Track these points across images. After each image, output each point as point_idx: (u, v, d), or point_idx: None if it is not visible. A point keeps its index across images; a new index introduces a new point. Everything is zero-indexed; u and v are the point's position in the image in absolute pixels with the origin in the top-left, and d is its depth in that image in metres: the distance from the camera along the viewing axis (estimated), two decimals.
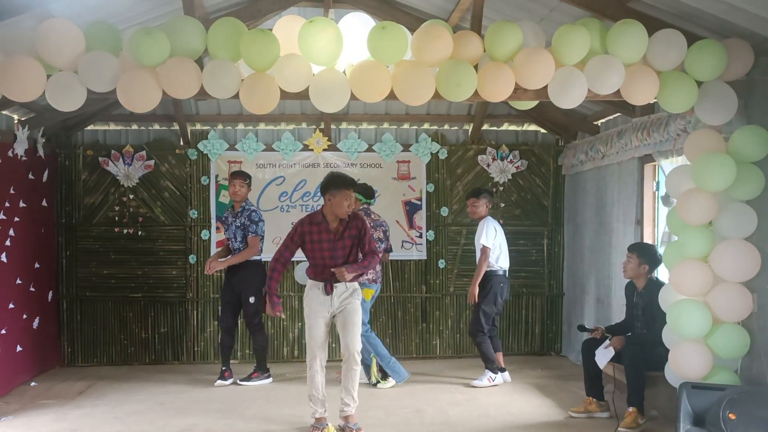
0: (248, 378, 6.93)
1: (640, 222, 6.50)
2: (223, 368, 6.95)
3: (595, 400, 5.73)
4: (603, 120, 7.32)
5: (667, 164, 5.95)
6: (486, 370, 6.79)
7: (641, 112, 6.11)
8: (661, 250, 5.76)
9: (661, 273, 5.83)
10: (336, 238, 5.32)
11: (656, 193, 6.46)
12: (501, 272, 6.83)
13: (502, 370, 6.92)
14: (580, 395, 6.00)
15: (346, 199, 5.27)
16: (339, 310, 5.36)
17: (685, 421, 4.37)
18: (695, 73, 4.71)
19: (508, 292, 6.95)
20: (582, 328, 5.96)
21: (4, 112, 6.61)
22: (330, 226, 5.34)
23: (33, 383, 6.90)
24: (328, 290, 5.32)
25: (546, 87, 4.75)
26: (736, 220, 4.69)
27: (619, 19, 4.71)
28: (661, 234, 6.30)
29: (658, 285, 5.45)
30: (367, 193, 6.81)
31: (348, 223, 5.37)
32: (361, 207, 6.68)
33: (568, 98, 4.75)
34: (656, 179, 6.45)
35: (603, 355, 5.50)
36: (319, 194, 7.91)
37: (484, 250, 6.68)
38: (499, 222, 6.92)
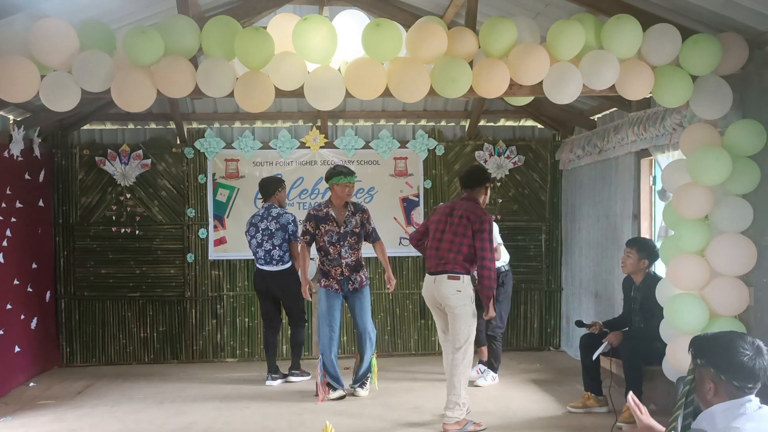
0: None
1: (637, 216, 6.50)
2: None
3: (593, 395, 5.73)
4: (599, 115, 7.32)
5: (664, 159, 5.96)
6: (489, 370, 6.77)
7: (637, 106, 6.11)
8: (658, 245, 5.76)
9: (658, 267, 5.84)
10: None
11: (653, 187, 6.46)
12: (507, 267, 6.81)
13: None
14: (578, 390, 6.00)
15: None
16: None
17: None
18: (690, 68, 4.70)
19: None
20: (580, 324, 5.96)
21: None
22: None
23: (31, 384, 6.90)
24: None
25: (541, 83, 4.74)
26: (732, 214, 4.69)
27: (614, 14, 4.70)
28: (658, 228, 6.30)
29: (656, 279, 5.46)
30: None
31: None
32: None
33: (564, 94, 4.74)
34: (653, 174, 6.46)
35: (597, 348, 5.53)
36: (317, 191, 8.06)
37: (497, 248, 6.52)
38: (496, 218, 6.87)
